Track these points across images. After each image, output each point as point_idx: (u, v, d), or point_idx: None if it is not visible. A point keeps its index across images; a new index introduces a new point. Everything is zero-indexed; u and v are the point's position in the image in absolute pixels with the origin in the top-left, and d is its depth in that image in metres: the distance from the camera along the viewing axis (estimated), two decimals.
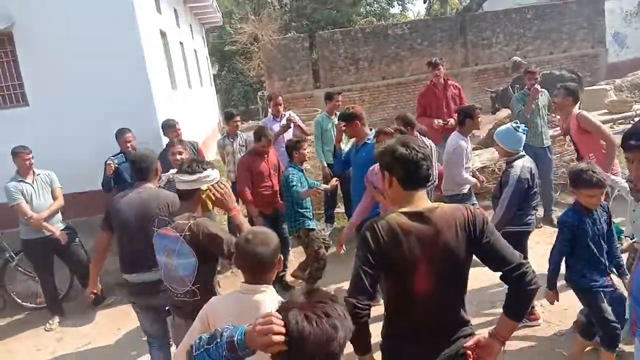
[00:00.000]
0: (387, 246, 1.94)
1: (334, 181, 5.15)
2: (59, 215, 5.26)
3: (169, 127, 5.69)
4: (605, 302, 3.13)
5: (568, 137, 4.98)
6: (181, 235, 2.58)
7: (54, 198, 5.20)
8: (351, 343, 1.99)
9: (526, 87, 6.27)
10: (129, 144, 5.34)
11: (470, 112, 4.81)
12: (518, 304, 2.00)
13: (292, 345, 1.33)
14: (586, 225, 3.16)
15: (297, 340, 1.31)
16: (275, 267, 2.08)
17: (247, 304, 1.99)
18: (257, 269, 2.03)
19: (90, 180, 5.51)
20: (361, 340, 2.05)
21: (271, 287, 2.07)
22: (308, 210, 4.90)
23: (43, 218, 4.98)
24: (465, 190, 4.87)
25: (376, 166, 3.58)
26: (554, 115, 7.25)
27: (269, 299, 2.00)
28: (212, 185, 2.68)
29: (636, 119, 9.30)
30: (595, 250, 3.17)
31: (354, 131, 4.59)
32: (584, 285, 3.20)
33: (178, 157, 4.62)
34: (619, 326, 3.06)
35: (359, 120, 4.55)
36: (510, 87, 9.98)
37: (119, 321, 5.13)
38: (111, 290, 5.75)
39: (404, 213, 1.98)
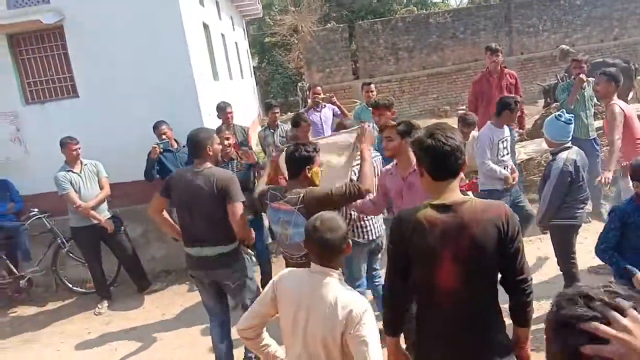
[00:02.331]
0: (411, 238, 1.96)
1: None
2: (106, 205, 5.45)
3: (220, 109, 5.88)
4: None
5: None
6: (295, 208, 2.89)
7: (101, 187, 5.39)
8: (383, 323, 2.11)
9: (573, 76, 6.05)
10: (164, 136, 5.47)
11: (509, 104, 4.57)
12: (524, 313, 2.10)
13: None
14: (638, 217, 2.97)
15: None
16: (344, 252, 2.12)
17: (314, 284, 2.05)
18: (325, 254, 2.08)
19: (135, 170, 5.65)
20: (392, 323, 2.16)
21: (339, 273, 2.12)
22: None
23: (90, 207, 5.17)
24: (499, 187, 4.52)
25: (389, 166, 3.48)
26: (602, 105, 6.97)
27: (336, 285, 2.04)
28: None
29: None
30: (634, 248, 2.98)
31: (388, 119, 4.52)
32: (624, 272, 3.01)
33: (226, 142, 4.69)
34: None
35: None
36: (560, 80, 9.61)
37: (164, 307, 5.29)
38: (157, 277, 5.96)
39: (432, 205, 1.97)
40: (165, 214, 3.71)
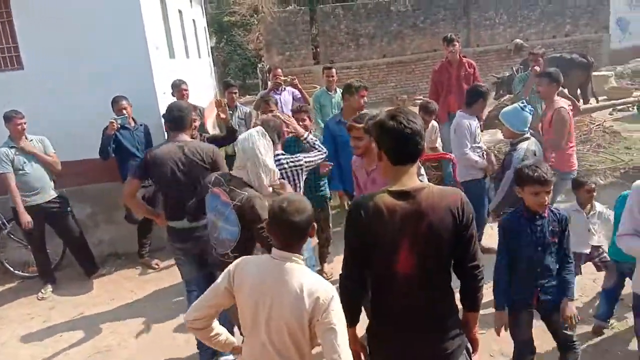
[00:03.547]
0: (369, 225, 1.94)
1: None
2: (52, 184, 5.17)
3: (175, 86, 5.74)
4: (523, 320, 2.87)
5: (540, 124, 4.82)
6: (232, 203, 2.73)
7: None
8: None
9: (530, 68, 6.21)
10: (124, 112, 5.24)
11: (484, 92, 4.61)
12: (475, 297, 2.16)
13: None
14: (523, 229, 2.80)
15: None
16: (308, 235, 2.05)
17: (277, 271, 1.98)
18: (291, 237, 2.00)
19: (84, 148, 5.38)
20: (349, 313, 2.07)
21: (302, 258, 2.05)
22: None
23: (16, 194, 4.83)
24: (479, 176, 4.58)
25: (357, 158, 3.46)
26: None
27: (301, 272, 1.98)
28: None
29: (637, 106, 9.26)
30: (527, 263, 2.81)
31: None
32: (500, 302, 2.87)
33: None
34: (528, 353, 2.93)
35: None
36: (514, 72, 9.85)
37: (112, 292, 5.10)
38: (106, 261, 5.74)
39: (390, 192, 1.96)
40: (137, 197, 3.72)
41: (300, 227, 1.98)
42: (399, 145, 1.97)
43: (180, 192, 3.46)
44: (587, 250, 3.82)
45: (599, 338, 3.61)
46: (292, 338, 1.94)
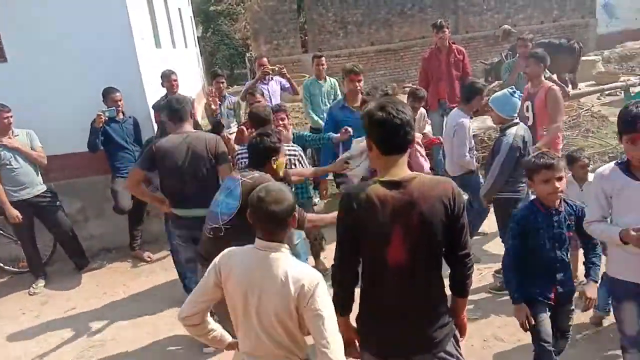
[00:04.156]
0: (361, 216, 1.95)
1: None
2: (40, 178, 5.11)
3: (164, 76, 5.66)
4: (543, 316, 2.75)
5: (526, 104, 4.74)
6: (242, 179, 2.82)
7: None
8: (333, 302, 2.05)
9: (517, 54, 6.23)
10: (119, 103, 5.17)
11: (481, 89, 4.55)
12: (464, 284, 2.19)
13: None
14: (540, 225, 2.71)
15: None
16: (290, 225, 2.05)
17: (262, 261, 1.98)
18: (271, 227, 2.01)
19: (70, 141, 5.33)
20: (340, 302, 2.12)
21: (287, 246, 2.06)
22: None
23: (14, 146, 4.84)
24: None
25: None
26: None
27: (286, 261, 1.99)
28: None
29: (624, 90, 9.31)
30: (545, 260, 2.74)
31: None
32: (517, 298, 2.77)
33: None
34: (550, 349, 2.72)
35: None
36: (504, 58, 9.85)
37: (104, 286, 5.07)
38: (97, 256, 5.70)
39: (382, 182, 1.97)
40: (142, 186, 3.80)
41: (279, 217, 1.98)
42: (389, 135, 1.97)
43: (183, 181, 3.53)
44: None
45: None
46: (282, 326, 1.96)
